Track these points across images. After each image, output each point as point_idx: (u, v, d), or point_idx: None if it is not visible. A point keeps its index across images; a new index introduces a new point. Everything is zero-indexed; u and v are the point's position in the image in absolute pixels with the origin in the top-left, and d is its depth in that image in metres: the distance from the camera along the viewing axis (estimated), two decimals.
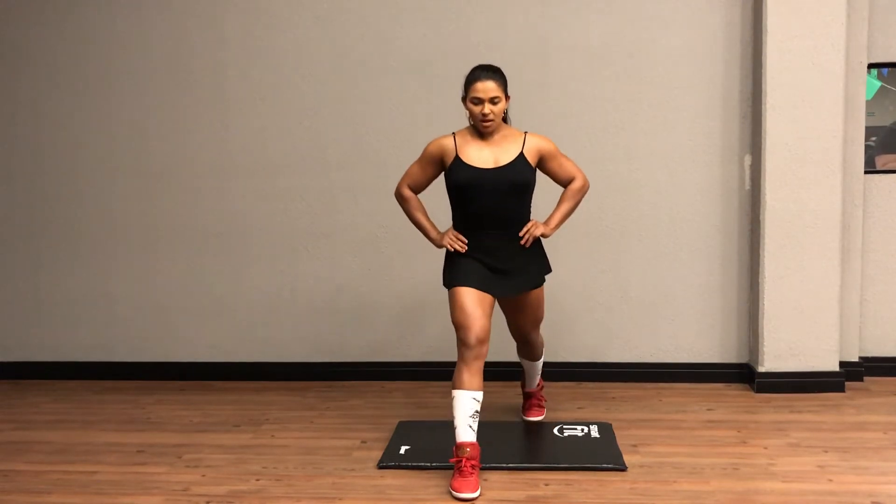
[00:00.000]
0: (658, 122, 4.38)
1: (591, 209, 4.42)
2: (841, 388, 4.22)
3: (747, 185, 4.37)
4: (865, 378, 4.42)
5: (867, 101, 4.34)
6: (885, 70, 4.38)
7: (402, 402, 4.22)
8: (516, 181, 3.23)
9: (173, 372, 4.75)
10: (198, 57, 4.60)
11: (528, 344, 3.64)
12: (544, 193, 3.60)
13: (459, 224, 3.34)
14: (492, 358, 4.16)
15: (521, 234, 3.29)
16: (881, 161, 4.43)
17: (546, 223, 3.35)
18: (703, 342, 4.48)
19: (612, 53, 4.37)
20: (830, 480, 3.08)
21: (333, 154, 4.57)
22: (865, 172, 4.38)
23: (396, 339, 4.63)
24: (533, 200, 3.38)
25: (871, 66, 4.35)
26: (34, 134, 4.75)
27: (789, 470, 3.19)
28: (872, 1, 4.29)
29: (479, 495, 2.99)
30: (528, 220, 3.34)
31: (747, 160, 4.36)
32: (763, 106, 4.15)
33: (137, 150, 4.69)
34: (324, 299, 4.65)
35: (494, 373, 4.27)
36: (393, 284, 4.59)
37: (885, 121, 4.41)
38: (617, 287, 4.48)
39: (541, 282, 3.44)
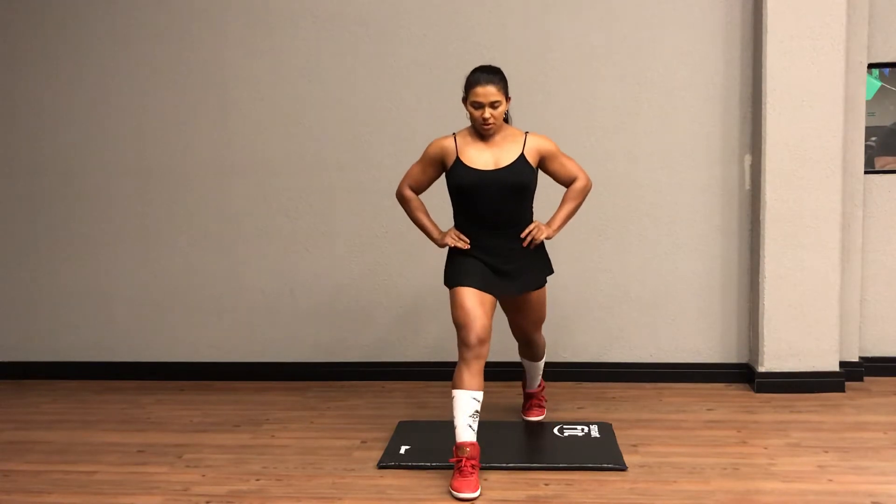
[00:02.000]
0: (658, 122, 4.38)
1: (592, 209, 4.42)
2: (841, 388, 4.22)
3: (747, 185, 4.37)
4: (865, 378, 4.42)
5: (867, 101, 4.34)
6: (885, 70, 4.38)
7: (402, 402, 4.22)
8: (517, 183, 3.23)
9: (173, 372, 4.75)
10: (198, 57, 4.60)
11: (530, 344, 3.64)
12: (546, 192, 3.60)
13: (461, 225, 3.34)
14: (492, 358, 4.16)
15: (523, 235, 3.29)
16: (880, 163, 4.43)
17: (549, 224, 3.35)
18: (703, 342, 4.48)
19: (612, 53, 4.37)
20: (830, 480, 3.08)
21: (333, 154, 4.57)
22: (865, 172, 4.38)
23: (396, 339, 4.63)
24: (535, 200, 3.38)
25: (871, 66, 4.35)
26: (33, 133, 4.75)
27: (789, 470, 3.19)
28: (872, 1, 4.29)
29: (479, 495, 2.99)
30: (530, 220, 3.34)
31: (747, 160, 4.36)
32: (763, 106, 4.15)
33: (137, 150, 4.69)
34: (324, 299, 4.65)
35: (495, 373, 4.27)
36: (393, 284, 4.59)
37: (885, 121, 4.41)
38: (617, 287, 4.48)
39: (542, 283, 3.44)
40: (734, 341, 4.47)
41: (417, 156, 3.48)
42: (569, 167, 3.39)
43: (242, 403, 4.26)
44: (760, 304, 4.24)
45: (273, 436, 3.74)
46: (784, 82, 4.12)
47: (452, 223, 3.40)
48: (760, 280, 4.23)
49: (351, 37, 4.51)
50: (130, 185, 4.71)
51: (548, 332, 3.75)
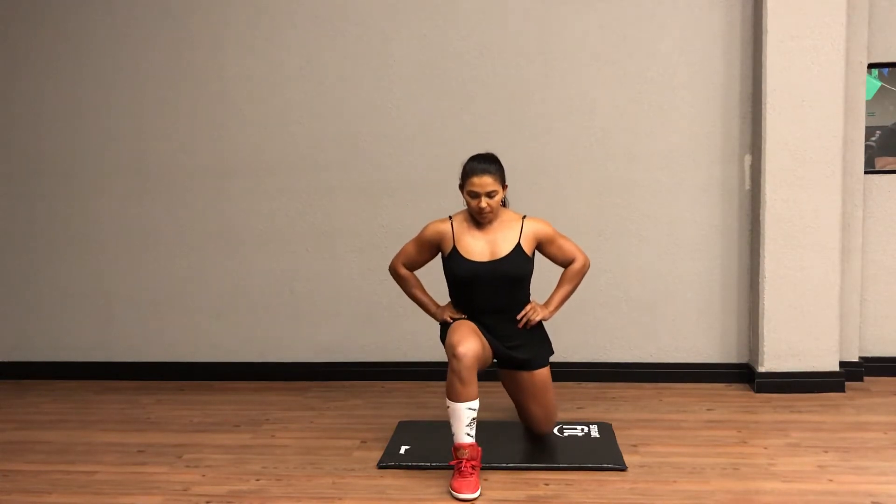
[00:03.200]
0: (658, 122, 4.38)
1: (592, 209, 4.42)
2: (841, 388, 4.22)
3: (747, 185, 4.37)
4: (865, 378, 4.42)
5: (867, 101, 4.34)
6: (885, 70, 4.38)
7: (402, 402, 4.22)
8: (513, 274, 3.24)
9: (173, 372, 4.75)
10: (197, 57, 4.60)
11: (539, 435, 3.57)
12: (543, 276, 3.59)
13: (457, 305, 3.37)
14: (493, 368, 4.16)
15: (518, 317, 3.30)
16: (880, 163, 4.43)
17: (545, 306, 3.36)
18: (703, 342, 4.48)
19: (612, 53, 4.37)
20: (830, 480, 3.08)
21: (333, 154, 4.57)
22: (865, 172, 4.38)
23: (396, 339, 4.63)
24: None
25: (871, 66, 4.35)
26: (33, 133, 4.75)
27: (789, 470, 3.19)
28: (872, 1, 4.29)
29: (479, 495, 2.99)
30: (527, 301, 3.34)
31: (747, 160, 4.36)
32: (763, 106, 4.15)
33: (137, 150, 4.69)
34: (324, 299, 4.65)
35: (495, 373, 4.27)
36: (393, 284, 4.57)
37: (885, 121, 4.40)
38: (617, 287, 4.48)
39: (545, 361, 3.40)
40: (734, 341, 4.47)
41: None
42: (566, 249, 3.38)
43: (242, 403, 4.26)
44: (760, 304, 4.24)
45: (273, 436, 3.74)
46: (784, 82, 4.12)
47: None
48: (760, 280, 4.23)
49: (350, 37, 4.50)
50: (130, 185, 4.71)
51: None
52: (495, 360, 3.37)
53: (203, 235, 4.69)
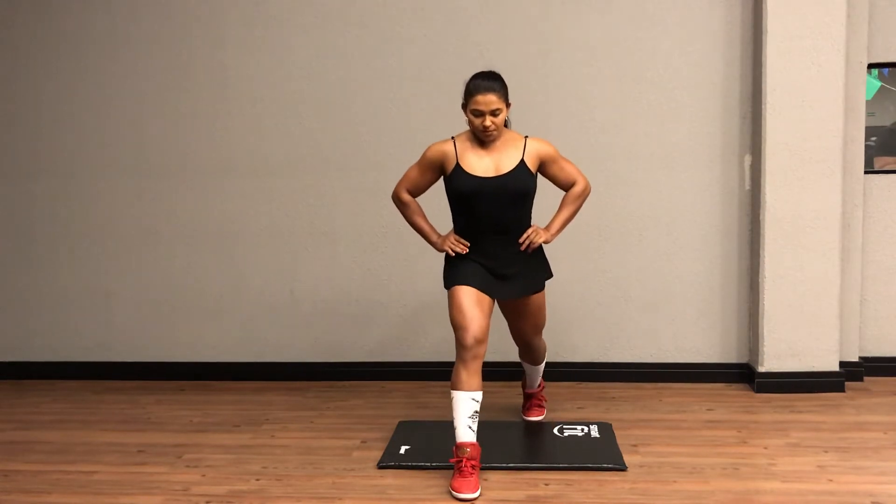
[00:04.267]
0: (658, 122, 4.38)
1: (592, 209, 4.42)
2: (841, 388, 4.22)
3: (747, 185, 4.37)
4: (865, 378, 4.42)
5: (867, 101, 4.34)
6: (885, 70, 4.38)
7: (402, 402, 4.22)
8: (517, 189, 3.23)
9: (173, 372, 4.75)
10: (198, 57, 4.60)
11: (530, 349, 3.64)
12: (545, 197, 3.60)
13: (460, 228, 3.34)
14: (492, 358, 4.16)
15: (520, 240, 3.29)
16: (880, 163, 4.43)
17: (547, 229, 3.35)
18: (703, 342, 4.48)
19: (612, 53, 4.37)
20: (830, 480, 3.08)
21: (333, 154, 4.57)
22: (865, 172, 4.38)
23: (396, 339, 4.63)
24: (534, 204, 3.38)
25: (871, 66, 4.35)
26: (33, 133, 4.75)
27: (789, 470, 3.19)
28: (872, 1, 4.29)
29: (479, 495, 2.99)
30: (529, 224, 3.34)
31: (747, 160, 4.36)
32: (763, 106, 4.15)
33: (137, 150, 4.69)
34: (324, 299, 4.65)
35: (494, 373, 4.27)
36: (393, 284, 4.59)
37: (885, 121, 4.41)
38: (617, 287, 4.48)
39: (541, 287, 3.43)
40: (734, 341, 4.47)
41: (418, 155, 3.47)
42: (568, 171, 3.39)
43: (242, 403, 4.26)
44: (760, 304, 4.24)
45: (273, 436, 3.74)
46: (784, 82, 4.12)
47: (451, 226, 3.40)
48: (760, 280, 4.23)
49: (351, 37, 4.51)
50: (130, 185, 4.71)
51: (548, 332, 3.75)
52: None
53: (203, 235, 4.69)
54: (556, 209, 3.43)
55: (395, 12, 4.46)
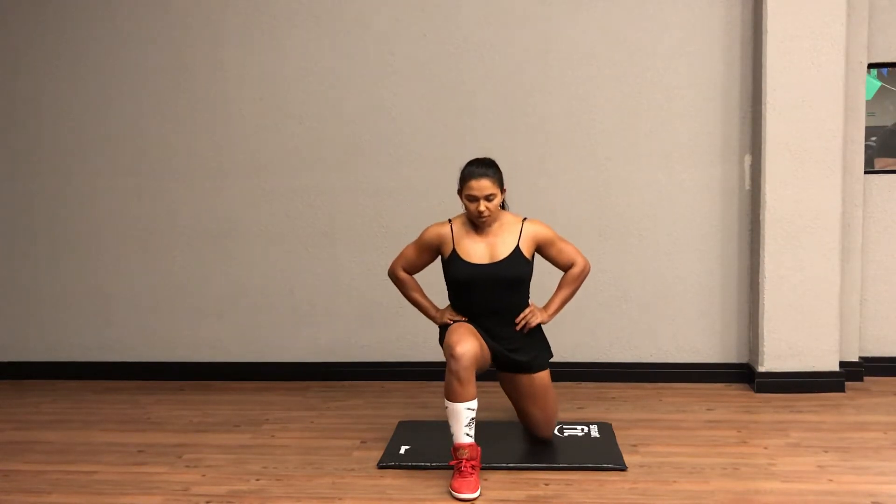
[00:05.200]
0: (658, 122, 4.38)
1: (591, 209, 4.42)
2: (841, 388, 4.22)
3: (747, 185, 4.37)
4: (865, 378, 4.42)
5: (867, 101, 4.34)
6: (885, 70, 4.38)
7: (402, 402, 4.22)
8: (512, 277, 3.24)
9: (173, 372, 4.75)
10: (197, 57, 4.60)
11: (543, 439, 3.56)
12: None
13: (457, 308, 3.36)
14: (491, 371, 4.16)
15: (517, 320, 3.29)
16: (880, 164, 4.43)
17: (544, 310, 3.35)
18: (703, 342, 4.48)
19: (612, 53, 4.37)
20: (830, 480, 3.08)
21: (333, 154, 4.57)
22: (865, 172, 4.38)
23: (396, 339, 4.63)
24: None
25: (871, 66, 4.35)
26: (33, 133, 4.75)
27: (789, 470, 3.19)
28: (872, 1, 4.29)
29: (479, 495, 2.99)
30: (527, 304, 3.34)
31: (747, 160, 4.36)
32: (763, 106, 4.15)
33: (137, 150, 4.69)
34: (324, 299, 4.65)
35: (495, 373, 4.26)
36: (393, 285, 4.58)
37: (885, 121, 4.41)
38: (617, 287, 4.48)
39: (545, 364, 3.39)
40: (734, 341, 4.47)
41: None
42: (566, 253, 3.37)
43: (242, 403, 4.26)
44: (760, 304, 4.24)
45: (273, 436, 3.74)
46: (784, 82, 4.12)
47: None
48: (760, 280, 4.23)
49: (351, 37, 4.50)
50: (130, 185, 4.71)
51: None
52: (493, 367, 3.36)
53: (203, 235, 4.69)
54: (554, 290, 3.41)
55: (395, 12, 4.46)
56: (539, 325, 3.37)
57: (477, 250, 3.25)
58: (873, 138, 4.40)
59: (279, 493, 3.07)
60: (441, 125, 4.46)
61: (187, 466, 3.38)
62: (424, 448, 3.43)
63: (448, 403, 3.07)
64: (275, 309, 4.69)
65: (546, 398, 3.40)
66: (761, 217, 4.21)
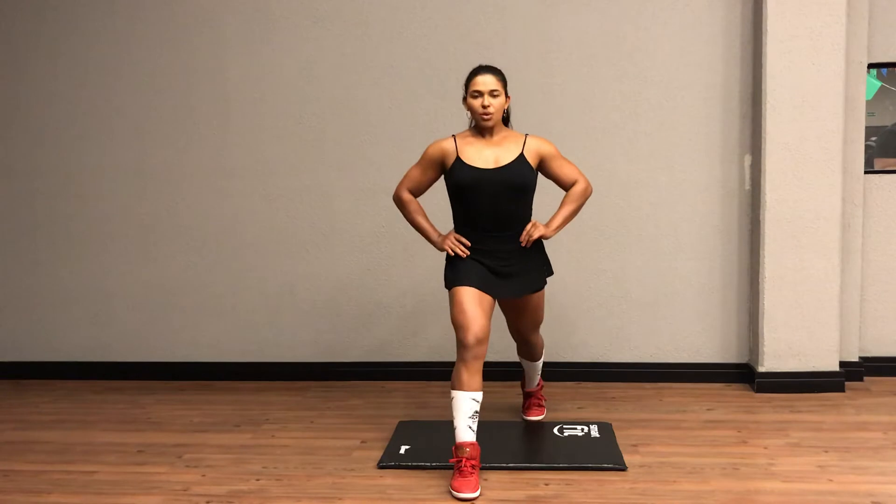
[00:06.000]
0: (658, 122, 4.38)
1: (592, 209, 4.41)
2: (841, 388, 4.22)
3: (747, 185, 4.37)
4: (865, 378, 4.42)
5: (867, 101, 4.34)
6: (884, 70, 4.38)
7: (402, 402, 4.22)
8: (516, 181, 3.23)
9: (173, 372, 4.75)
10: (198, 57, 4.60)
11: (527, 344, 3.64)
12: (546, 195, 3.60)
13: (460, 224, 3.34)
14: (492, 358, 4.17)
15: (521, 238, 3.30)
16: (879, 164, 4.43)
17: (547, 225, 3.34)
18: (703, 342, 4.48)
19: (612, 53, 4.37)
20: (830, 480, 3.08)
21: (333, 154, 4.57)
22: (865, 172, 4.38)
23: (396, 339, 4.63)
24: (534, 203, 3.38)
25: (871, 66, 4.35)
26: (33, 133, 4.75)
27: (789, 470, 3.19)
28: (872, 1, 4.29)
29: (479, 495, 2.99)
30: (529, 221, 3.34)
31: (747, 160, 4.36)
32: (763, 106, 4.15)
33: (137, 150, 4.69)
34: (324, 299, 4.65)
35: (494, 373, 4.27)
36: (393, 284, 4.59)
37: (885, 121, 4.40)
38: (617, 287, 4.48)
39: (542, 284, 3.43)
40: (734, 341, 4.47)
41: (418, 155, 3.48)
42: (568, 170, 3.39)
43: (242, 403, 4.26)
44: (760, 304, 4.24)
45: (273, 436, 3.74)
46: (784, 82, 4.12)
47: (451, 225, 3.40)
48: (760, 280, 4.23)
49: (351, 37, 4.51)
50: (130, 185, 4.71)
51: (548, 332, 3.75)
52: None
53: (203, 235, 4.69)
54: (558, 207, 3.43)
55: (395, 12, 4.46)
56: (541, 242, 3.39)
57: (481, 156, 3.26)
58: (873, 138, 4.40)
59: (279, 493, 3.07)
60: (441, 125, 4.46)
61: (187, 466, 3.38)
62: (424, 448, 3.43)
63: (453, 393, 3.08)
64: (275, 309, 4.69)
65: (538, 311, 3.51)
66: (761, 217, 4.21)
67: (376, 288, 4.59)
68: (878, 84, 4.39)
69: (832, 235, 4.17)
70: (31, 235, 4.81)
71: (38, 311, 4.85)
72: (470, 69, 3.36)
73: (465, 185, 3.23)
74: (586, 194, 3.42)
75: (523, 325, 3.54)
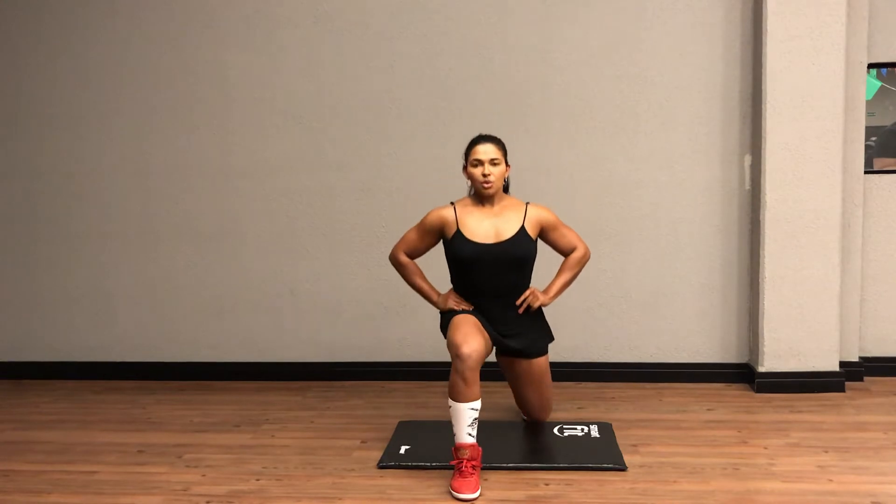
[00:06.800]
0: (658, 122, 4.38)
1: (592, 209, 4.42)
2: (841, 388, 4.22)
3: (747, 185, 4.37)
4: (865, 378, 4.42)
5: (867, 101, 4.34)
6: (884, 70, 4.38)
7: (402, 402, 4.22)
8: (518, 256, 3.26)
9: (173, 372, 4.75)
10: (198, 57, 4.60)
11: (537, 421, 3.65)
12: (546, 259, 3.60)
13: (459, 291, 3.37)
14: (492, 357, 4.16)
15: (518, 302, 3.31)
16: (879, 164, 4.43)
17: (545, 292, 3.37)
18: (703, 342, 4.48)
19: (612, 53, 4.37)
20: (830, 480, 3.08)
21: (333, 154, 4.57)
22: (865, 172, 4.38)
23: (396, 339, 4.63)
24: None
25: (871, 66, 4.35)
26: (33, 133, 4.75)
27: (789, 470, 3.19)
28: (872, 1, 4.29)
29: (479, 495, 2.99)
30: (528, 287, 3.35)
31: (747, 160, 4.36)
32: (763, 106, 4.15)
33: (137, 150, 4.69)
34: (324, 299, 4.65)
35: (494, 373, 4.26)
36: (393, 284, 4.58)
37: (885, 121, 4.40)
38: (617, 287, 4.48)
39: (544, 350, 3.43)
40: (734, 341, 4.47)
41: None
42: (568, 237, 3.41)
43: (242, 403, 4.26)
44: (760, 305, 4.24)
45: (273, 436, 3.74)
46: (784, 82, 4.12)
47: (449, 285, 3.44)
48: (760, 280, 4.23)
49: (351, 37, 4.50)
50: (130, 186, 4.71)
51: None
52: (494, 350, 3.38)
53: (203, 235, 4.69)
54: (555, 274, 3.45)
55: (395, 12, 4.46)
56: (540, 309, 3.40)
57: (482, 229, 3.26)
58: (873, 138, 4.40)
59: (279, 493, 3.07)
60: (441, 125, 4.46)
61: (187, 466, 3.38)
62: (424, 448, 3.43)
63: (451, 403, 3.07)
64: (275, 309, 4.69)
65: (543, 382, 3.47)
66: (761, 217, 4.21)
67: (376, 288, 4.59)
68: (878, 84, 4.39)
69: (832, 235, 4.17)
70: (32, 236, 4.81)
71: (38, 311, 4.85)
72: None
73: (466, 259, 3.26)
74: (584, 260, 3.45)
75: (531, 398, 3.51)
